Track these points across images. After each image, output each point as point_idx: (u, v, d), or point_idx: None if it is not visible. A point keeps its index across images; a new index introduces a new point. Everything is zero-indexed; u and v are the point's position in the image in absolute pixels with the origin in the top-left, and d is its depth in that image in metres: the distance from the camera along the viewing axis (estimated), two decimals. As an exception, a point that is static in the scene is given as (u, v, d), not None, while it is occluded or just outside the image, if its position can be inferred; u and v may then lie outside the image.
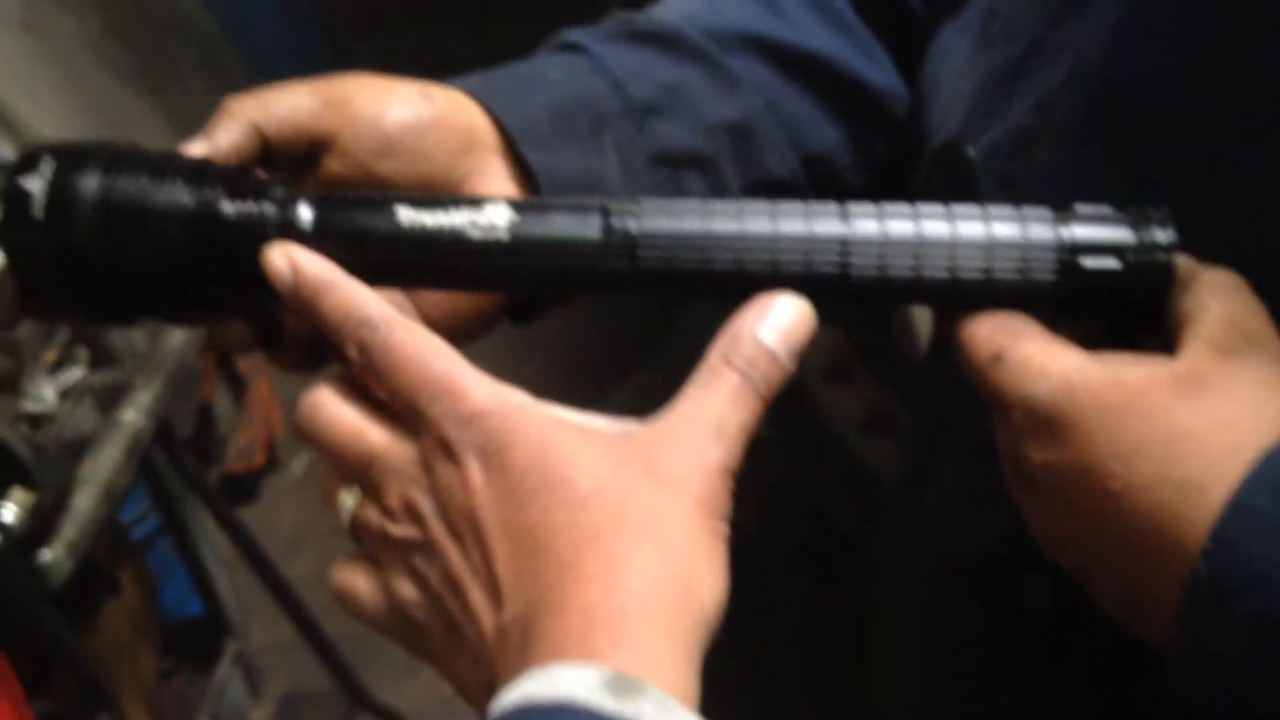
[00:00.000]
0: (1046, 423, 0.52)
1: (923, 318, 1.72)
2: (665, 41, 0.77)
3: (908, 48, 0.82)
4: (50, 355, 1.73)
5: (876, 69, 0.82)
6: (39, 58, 2.63)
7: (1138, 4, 0.62)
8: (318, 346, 0.62)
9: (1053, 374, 0.53)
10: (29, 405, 1.64)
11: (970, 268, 0.56)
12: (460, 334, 0.69)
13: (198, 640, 2.09)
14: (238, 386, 3.25)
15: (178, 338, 1.76)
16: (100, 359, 1.74)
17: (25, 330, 1.76)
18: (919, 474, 0.80)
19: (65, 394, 1.69)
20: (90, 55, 2.77)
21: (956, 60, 0.75)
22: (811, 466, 2.47)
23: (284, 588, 2.09)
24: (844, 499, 2.44)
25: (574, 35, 0.78)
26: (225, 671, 2.02)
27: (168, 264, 0.57)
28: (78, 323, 0.63)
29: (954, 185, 0.72)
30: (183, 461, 1.86)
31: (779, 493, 2.87)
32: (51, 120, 2.49)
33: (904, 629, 0.83)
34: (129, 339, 1.85)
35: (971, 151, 0.70)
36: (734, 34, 0.79)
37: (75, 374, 1.72)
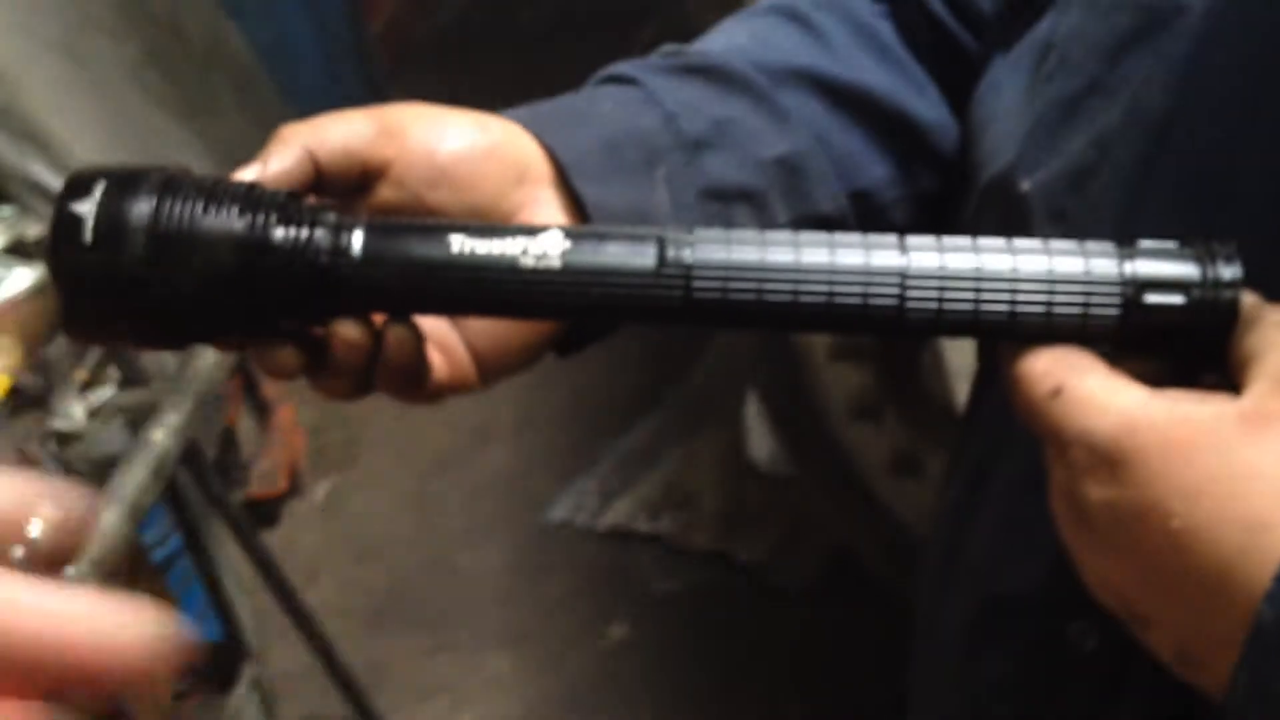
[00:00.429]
0: (1107, 459, 0.52)
1: (954, 357, 1.71)
2: (716, 75, 0.77)
3: (957, 82, 0.82)
4: (81, 374, 1.74)
5: (926, 103, 0.82)
6: (78, 82, 2.66)
7: (1200, 46, 0.62)
8: (365, 375, 0.62)
9: (1115, 409, 0.52)
10: (57, 423, 1.66)
11: (1031, 303, 0.55)
12: (506, 365, 0.70)
13: (214, 663, 2.08)
14: (261, 412, 3.26)
15: (207, 359, 1.77)
16: (130, 379, 1.74)
17: (56, 349, 1.77)
18: (961, 514, 0.79)
19: (94, 413, 1.70)
20: (129, 81, 2.80)
21: (1009, 95, 0.75)
22: (834, 506, 2.46)
23: (303, 613, 2.09)
24: (867, 541, 2.43)
25: (624, 68, 0.78)
26: (241, 695, 2.01)
27: (217, 289, 0.57)
28: (122, 346, 0.63)
29: (1005, 221, 0.71)
30: (209, 483, 1.86)
31: (799, 531, 2.86)
32: (88, 144, 2.51)
33: (944, 671, 0.82)
34: (159, 360, 1.86)
35: (1025, 186, 0.69)
36: (783, 68, 0.79)
37: (105, 393, 1.73)
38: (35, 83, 2.54)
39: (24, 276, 1.72)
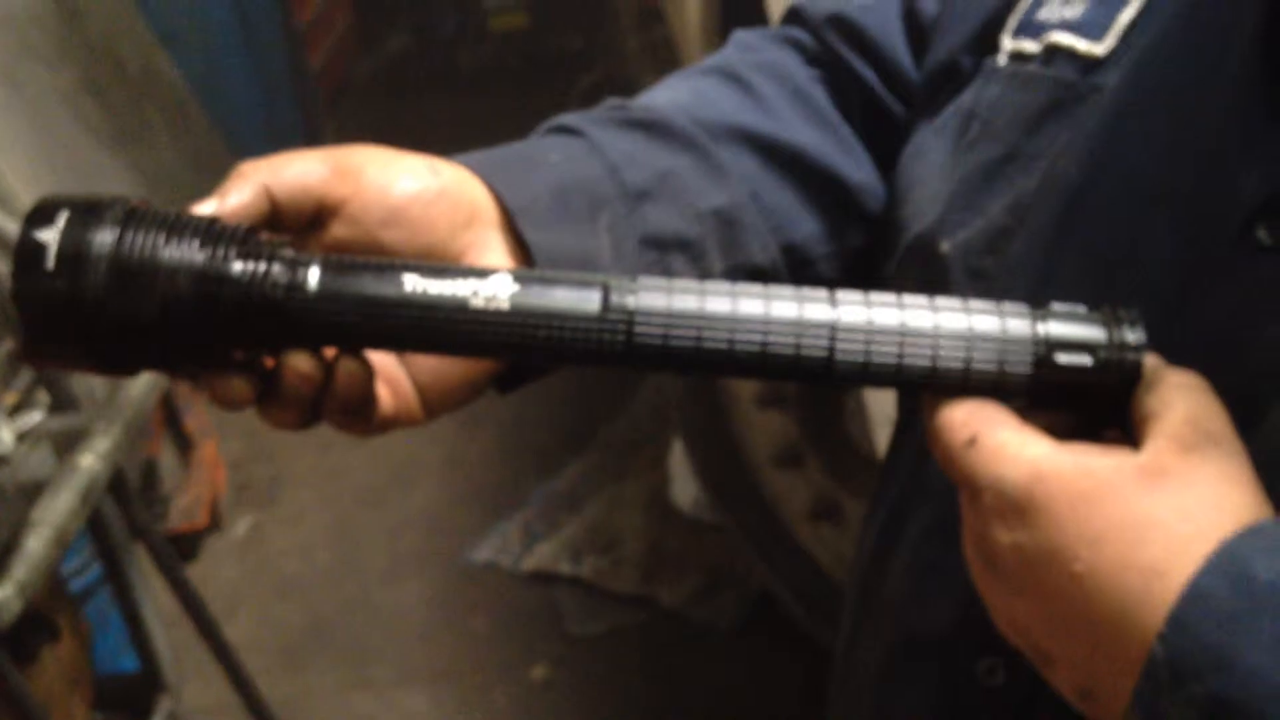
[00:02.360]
0: (1016, 506, 0.55)
1: (875, 406, 1.76)
2: (658, 129, 0.81)
3: (885, 145, 0.86)
4: (10, 398, 1.73)
5: (855, 164, 0.86)
6: (13, 108, 2.64)
7: (1114, 120, 0.67)
8: (313, 406, 0.64)
9: (1024, 460, 0.55)
10: (-17, 446, 1.64)
11: (951, 358, 0.58)
12: (449, 400, 0.72)
13: (130, 696, 2.06)
14: (183, 446, 3.24)
15: (138, 387, 1.77)
16: (59, 404, 1.73)
17: (-15, 372, 1.76)
18: (878, 558, 0.82)
19: (22, 436, 1.69)
20: (64, 109, 2.79)
21: (933, 159, 0.79)
22: (755, 551, 2.48)
23: (224, 647, 2.08)
24: (786, 585, 2.45)
25: (571, 119, 0.81)
26: (156, 729, 1.99)
27: (175, 319, 0.59)
28: (80, 371, 0.64)
29: (926, 278, 0.75)
30: (134, 512, 1.85)
31: (720, 576, 2.89)
32: (21, 168, 2.49)
33: (860, 708, 0.84)
34: (88, 386, 1.85)
35: (946, 247, 0.73)
36: (722, 126, 0.82)
37: (34, 418, 1.72)
38: (-31, 107, 2.53)
39: (-45, 298, 1.71)
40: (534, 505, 3.24)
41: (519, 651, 2.79)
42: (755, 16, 1.75)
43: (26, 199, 2.44)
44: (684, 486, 3.01)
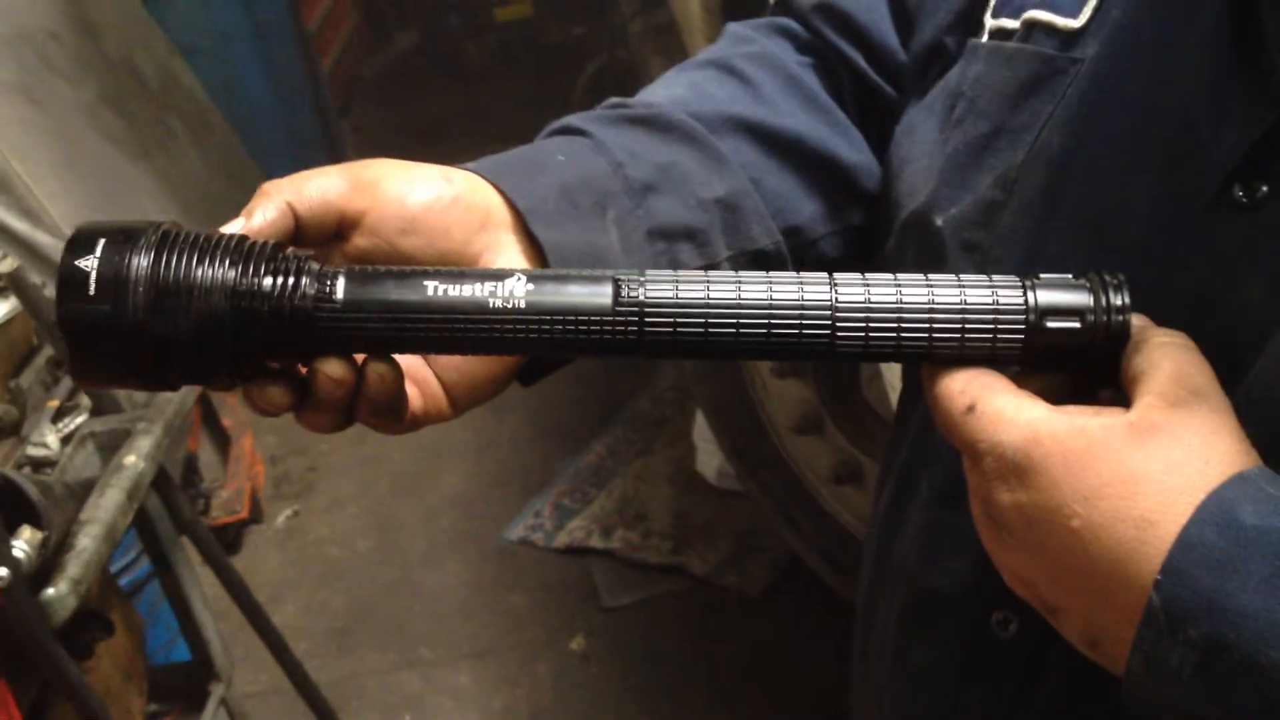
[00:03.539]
0: (1015, 467, 0.58)
1: (891, 372, 1.78)
2: (659, 125, 0.83)
3: (878, 126, 0.89)
4: (53, 403, 1.78)
5: (850, 146, 0.88)
6: (38, 125, 2.66)
7: (1093, 91, 0.70)
8: (347, 408, 0.67)
9: (1021, 423, 0.58)
10: (32, 450, 1.69)
11: (946, 330, 0.62)
12: (475, 395, 0.75)
13: (184, 686, 2.11)
14: (221, 441, 3.29)
15: (176, 388, 1.81)
16: (101, 407, 1.78)
17: (28, 378, 1.81)
18: (891, 520, 0.86)
19: (67, 439, 1.73)
20: (86, 122, 2.81)
21: (923, 137, 0.81)
22: (781, 516, 2.51)
23: (272, 634, 2.12)
24: (813, 548, 2.48)
25: (574, 120, 0.84)
26: (211, 716, 2.04)
27: (213, 335, 0.62)
28: (124, 388, 0.67)
29: (922, 253, 0.78)
30: (178, 506, 1.89)
31: (748, 542, 2.93)
32: (49, 185, 2.52)
33: (881, 663, 0.88)
34: (128, 389, 1.89)
35: (939, 222, 0.76)
36: (720, 117, 0.85)
37: (77, 420, 1.76)
38: (-4, 125, 2.56)
39: (-6, 310, 1.76)
40: (563, 482, 3.29)
41: (557, 625, 2.84)
42: (756, -2, 1.76)
43: (54, 213, 2.48)
44: (708, 457, 3.04)
